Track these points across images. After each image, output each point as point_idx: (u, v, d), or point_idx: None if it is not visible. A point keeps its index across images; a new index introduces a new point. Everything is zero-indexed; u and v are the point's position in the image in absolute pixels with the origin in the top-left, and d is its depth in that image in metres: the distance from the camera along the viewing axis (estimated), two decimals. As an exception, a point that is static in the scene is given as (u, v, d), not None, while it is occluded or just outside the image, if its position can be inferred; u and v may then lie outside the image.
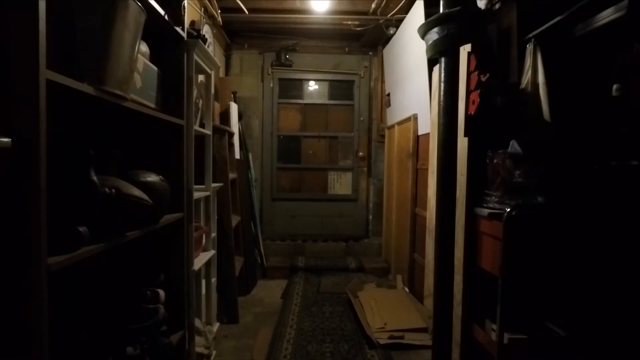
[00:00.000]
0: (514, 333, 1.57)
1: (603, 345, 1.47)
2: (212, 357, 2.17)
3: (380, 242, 4.35)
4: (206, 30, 2.87)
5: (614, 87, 1.35)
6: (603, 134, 1.56)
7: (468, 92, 1.80)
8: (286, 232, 4.45)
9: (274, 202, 4.47)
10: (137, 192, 1.25)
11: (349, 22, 3.70)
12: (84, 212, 1.05)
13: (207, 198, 2.37)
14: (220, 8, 3.22)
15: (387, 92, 4.13)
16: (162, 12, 1.49)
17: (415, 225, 3.24)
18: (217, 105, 3.10)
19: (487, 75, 1.66)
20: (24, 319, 0.86)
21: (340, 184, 4.54)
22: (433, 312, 1.73)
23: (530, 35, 1.68)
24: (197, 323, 2.04)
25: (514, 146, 1.67)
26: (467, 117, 1.80)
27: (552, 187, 1.61)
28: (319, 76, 4.44)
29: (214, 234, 2.47)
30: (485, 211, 1.68)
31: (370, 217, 4.51)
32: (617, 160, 1.47)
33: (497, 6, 1.70)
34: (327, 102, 4.49)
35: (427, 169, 2.83)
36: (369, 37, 4.08)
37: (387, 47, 3.97)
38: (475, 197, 1.81)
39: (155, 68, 1.56)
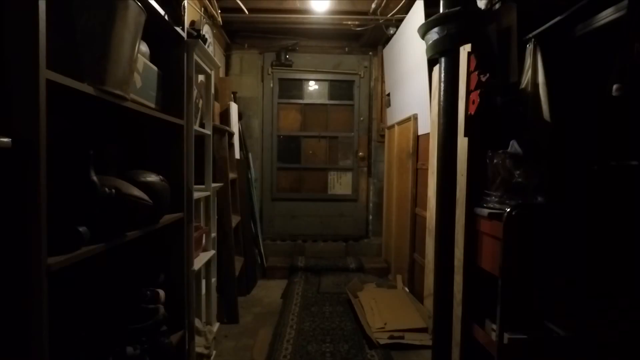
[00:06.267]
0: (514, 333, 1.56)
1: (603, 345, 1.47)
2: (212, 357, 2.17)
3: (380, 242, 4.35)
4: (206, 30, 2.87)
5: (614, 87, 1.35)
6: (603, 134, 1.56)
7: (468, 92, 1.80)
8: (286, 232, 4.45)
9: (274, 202, 4.47)
10: (137, 192, 1.25)
11: (349, 22, 3.70)
12: (84, 212, 1.05)
13: (207, 198, 2.37)
14: (220, 8, 3.21)
15: (387, 92, 4.13)
16: (162, 12, 1.49)
17: (415, 225, 3.24)
18: (217, 105, 3.10)
19: (487, 75, 1.66)
20: (24, 319, 0.86)
21: (340, 184, 4.54)
22: (433, 312, 1.73)
23: (530, 35, 1.68)
24: (197, 323, 2.04)
25: (514, 146, 1.67)
26: (467, 117, 1.80)
27: (552, 187, 1.60)
28: (319, 76, 4.44)
29: (214, 234, 2.47)
30: (485, 211, 1.68)
31: (370, 217, 4.51)
32: (617, 160, 1.47)
33: (497, 6, 1.70)
34: (327, 102, 4.49)
35: (427, 169, 2.83)
36: (369, 37, 4.08)
37: (387, 47, 3.97)
38: (475, 197, 1.80)
39: (155, 68, 1.56)
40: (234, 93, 3.98)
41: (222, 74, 4.02)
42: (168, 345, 1.51)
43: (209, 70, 2.26)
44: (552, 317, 1.65)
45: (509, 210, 1.51)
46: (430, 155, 2.70)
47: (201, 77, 2.36)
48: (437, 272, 1.66)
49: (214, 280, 2.48)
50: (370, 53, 4.41)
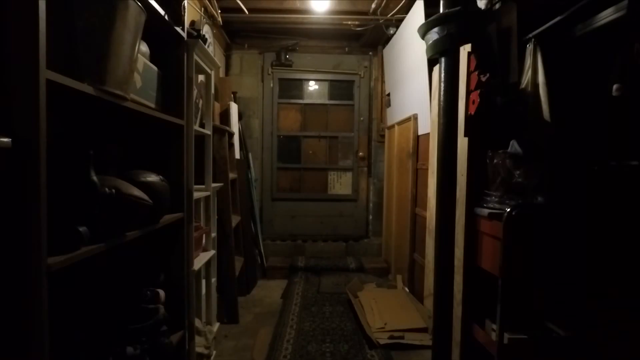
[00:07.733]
0: (514, 333, 1.57)
1: (602, 345, 1.47)
2: (212, 357, 2.17)
3: (380, 242, 4.35)
4: (206, 30, 2.87)
5: (614, 87, 1.35)
6: (603, 134, 1.56)
7: (468, 92, 1.80)
8: (286, 232, 4.45)
9: (274, 202, 4.47)
10: (137, 192, 1.25)
11: (349, 22, 3.70)
12: (84, 212, 1.05)
13: (207, 198, 2.37)
14: (220, 8, 3.22)
15: (387, 92, 4.13)
16: (162, 12, 1.49)
17: (415, 225, 3.24)
18: (217, 105, 3.10)
19: (487, 75, 1.66)
20: (24, 319, 0.86)
21: (340, 184, 4.54)
22: (433, 312, 1.73)
23: (530, 35, 1.68)
24: (197, 323, 2.04)
25: (514, 146, 1.67)
26: (467, 117, 1.80)
27: (552, 187, 1.61)
28: (319, 76, 4.44)
29: (214, 234, 2.47)
30: (485, 211, 1.68)
31: (370, 217, 4.51)
32: (617, 160, 1.47)
33: (497, 6, 1.70)
34: (327, 102, 4.49)
35: (427, 169, 2.83)
36: (369, 37, 4.08)
37: (387, 47, 3.97)
38: (475, 197, 1.81)
39: (155, 68, 1.56)
40: (234, 93, 3.99)
41: (222, 74, 4.02)
42: (168, 345, 1.51)
43: (209, 70, 2.26)
44: (552, 317, 1.65)
45: (509, 210, 1.51)
46: (430, 155, 2.71)
47: (201, 77, 2.36)
48: (437, 272, 1.66)
49: (214, 280, 2.48)
50: (370, 53, 4.41)
